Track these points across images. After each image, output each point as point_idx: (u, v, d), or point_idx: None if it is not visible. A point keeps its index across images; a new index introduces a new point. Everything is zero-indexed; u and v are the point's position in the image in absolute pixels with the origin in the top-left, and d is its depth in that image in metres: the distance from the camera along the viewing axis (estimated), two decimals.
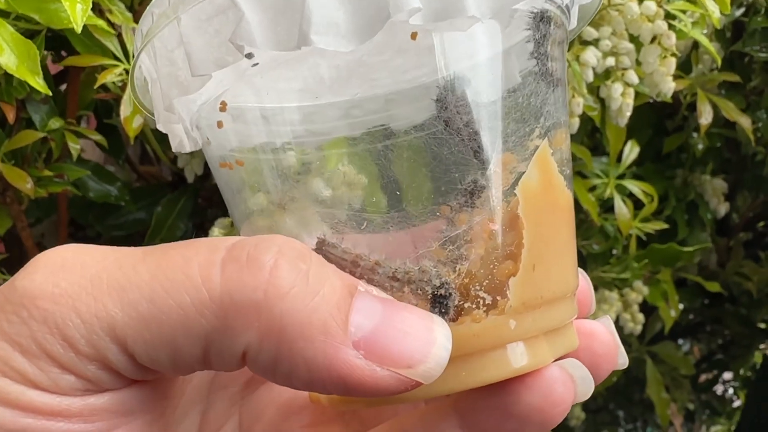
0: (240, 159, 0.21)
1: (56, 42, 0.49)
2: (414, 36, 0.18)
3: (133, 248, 0.18)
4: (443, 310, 0.19)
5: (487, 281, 0.19)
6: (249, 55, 0.18)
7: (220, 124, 0.21)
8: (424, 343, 0.18)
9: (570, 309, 0.21)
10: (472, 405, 0.20)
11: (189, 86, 0.19)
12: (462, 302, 0.19)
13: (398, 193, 0.20)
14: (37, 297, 0.17)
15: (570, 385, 0.20)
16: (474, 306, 0.19)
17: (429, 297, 0.19)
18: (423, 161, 0.20)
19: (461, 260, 0.19)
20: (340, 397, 0.21)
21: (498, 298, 0.19)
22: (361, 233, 0.20)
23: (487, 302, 0.19)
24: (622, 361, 0.22)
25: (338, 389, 0.17)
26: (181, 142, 0.22)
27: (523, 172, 0.20)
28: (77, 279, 0.17)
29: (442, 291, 0.19)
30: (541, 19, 0.20)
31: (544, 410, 0.19)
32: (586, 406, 0.92)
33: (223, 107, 0.20)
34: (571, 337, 0.21)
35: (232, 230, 0.50)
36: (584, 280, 0.23)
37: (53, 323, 0.17)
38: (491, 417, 0.20)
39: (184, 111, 0.21)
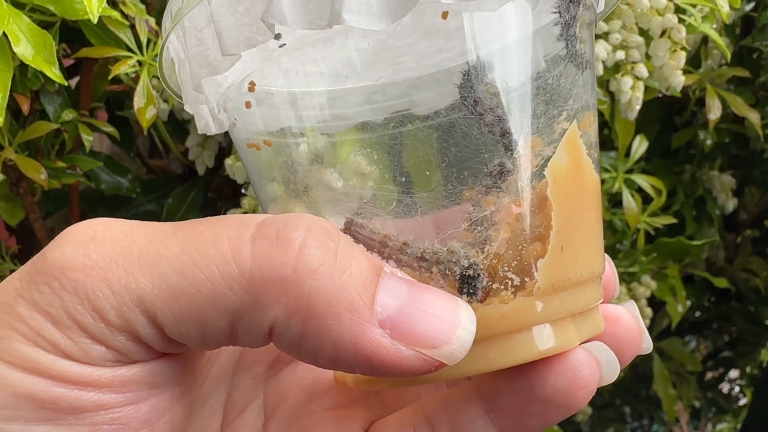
0: (268, 140, 0.21)
1: (69, 34, 0.49)
2: (445, 15, 0.18)
3: (162, 223, 0.19)
4: (471, 291, 0.19)
5: (515, 262, 0.19)
6: (277, 36, 0.18)
7: (248, 105, 0.21)
8: (448, 324, 0.18)
9: (597, 292, 0.21)
10: (496, 388, 0.21)
11: (218, 66, 0.20)
12: (490, 283, 0.19)
13: (425, 176, 0.20)
14: (68, 268, 0.17)
15: (595, 368, 0.20)
16: (502, 287, 0.19)
17: (457, 278, 0.19)
18: (449, 145, 0.20)
19: (489, 242, 0.19)
20: (365, 378, 0.21)
21: (526, 279, 0.19)
22: (389, 215, 0.20)
23: (515, 283, 0.19)
24: (647, 345, 0.22)
25: (363, 368, 0.18)
26: (207, 123, 0.22)
27: (551, 155, 0.20)
28: (108, 251, 0.18)
29: (470, 272, 0.19)
30: (571, 0, 0.20)
31: (569, 393, 0.19)
32: (592, 401, 0.92)
33: (252, 87, 0.20)
34: (597, 321, 0.21)
35: None
36: (609, 264, 0.23)
37: (84, 294, 0.17)
38: (516, 400, 0.20)
39: (211, 92, 0.21)
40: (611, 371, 0.20)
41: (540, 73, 0.20)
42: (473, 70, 0.19)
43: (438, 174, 0.20)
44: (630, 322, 0.22)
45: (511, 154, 0.19)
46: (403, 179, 0.20)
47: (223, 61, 0.19)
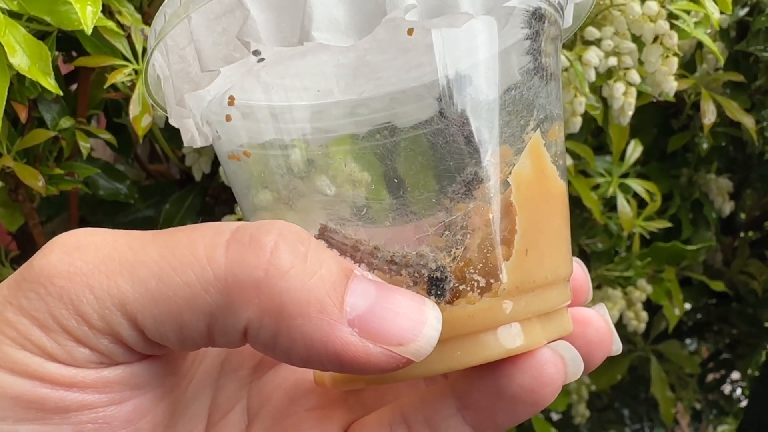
0: (248, 150, 0.22)
1: (67, 43, 0.50)
2: (410, 32, 0.19)
3: (142, 231, 0.19)
4: (439, 293, 0.19)
5: (481, 265, 0.20)
6: (256, 53, 0.19)
7: (228, 118, 0.22)
8: (415, 323, 0.18)
9: (563, 294, 0.22)
10: (468, 387, 0.21)
11: (199, 82, 0.20)
12: (457, 285, 0.20)
13: (400, 186, 0.21)
14: (53, 275, 0.18)
15: (560, 366, 0.20)
16: (469, 288, 0.20)
17: (426, 280, 0.19)
18: (424, 156, 0.20)
19: (457, 246, 0.20)
20: (341, 378, 0.22)
21: (492, 281, 0.20)
22: (363, 224, 0.21)
23: (481, 285, 0.20)
24: (616, 347, 0.23)
25: (334, 365, 0.18)
26: (193, 137, 0.23)
27: None
28: (91, 258, 0.18)
29: (438, 274, 0.19)
30: (535, 16, 0.21)
31: (534, 390, 0.20)
32: (591, 404, 0.92)
33: (231, 101, 0.21)
34: (564, 322, 0.22)
35: None
36: (580, 268, 0.24)
37: (68, 299, 0.18)
38: (485, 397, 0.21)
39: (194, 106, 0.22)
40: (576, 369, 0.21)
41: (511, 86, 0.21)
42: (446, 85, 0.20)
43: (414, 182, 0.20)
44: (600, 324, 0.23)
45: (482, 163, 0.20)
46: (382, 188, 0.21)
47: (204, 77, 0.20)
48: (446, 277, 0.19)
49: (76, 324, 0.18)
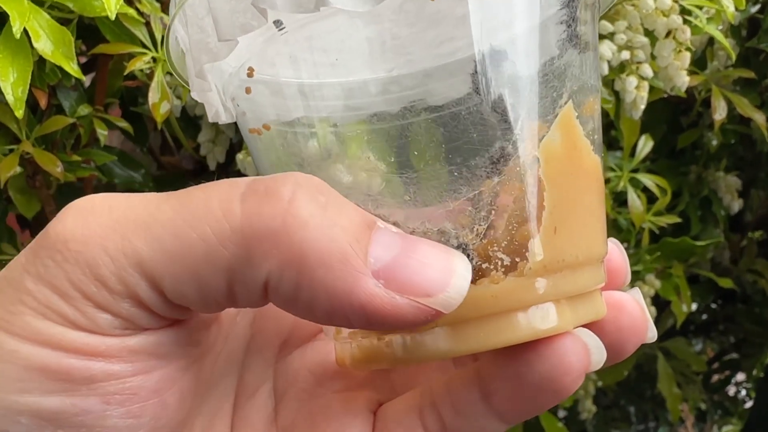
0: (267, 124, 0.21)
1: (84, 31, 0.50)
2: None
3: (157, 193, 0.19)
4: None
5: (506, 243, 0.19)
6: (278, 23, 0.18)
7: (248, 90, 0.21)
8: (443, 272, 0.18)
9: (596, 276, 0.21)
10: (492, 373, 0.20)
11: (218, 53, 0.20)
12: (480, 263, 0.19)
13: (423, 160, 0.20)
14: (68, 240, 0.18)
15: (582, 354, 0.19)
16: (492, 267, 0.19)
17: None
18: (451, 132, 0.20)
19: (481, 222, 0.19)
20: (362, 357, 0.21)
21: (517, 259, 0.19)
22: (384, 198, 0.20)
23: (505, 263, 0.19)
24: (651, 335, 0.22)
25: (359, 319, 0.18)
26: (218, 112, 0.22)
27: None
28: (105, 221, 0.18)
29: (460, 251, 0.19)
30: None
31: (556, 379, 0.19)
32: (597, 401, 0.92)
33: (251, 73, 0.20)
34: (597, 305, 0.21)
35: None
36: (617, 249, 0.23)
37: (85, 263, 0.18)
38: (508, 385, 0.20)
39: (216, 79, 0.21)
40: (599, 357, 0.20)
41: (549, 59, 0.20)
42: (481, 59, 0.19)
43: (442, 160, 0.20)
44: (634, 310, 0.21)
45: (511, 138, 0.19)
46: (405, 162, 0.20)
47: (222, 48, 0.19)
48: (468, 255, 0.19)
49: (95, 289, 0.18)
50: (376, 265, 0.17)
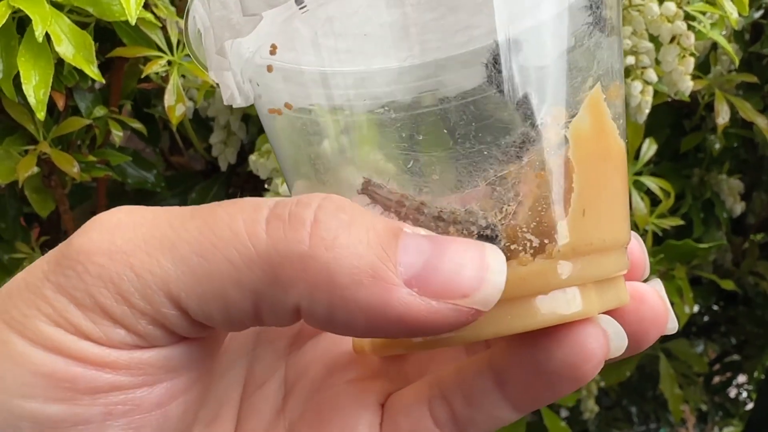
0: (289, 103, 0.21)
1: (99, 34, 0.51)
2: None
3: (181, 207, 0.19)
4: None
5: (534, 224, 0.19)
6: (298, 0, 0.18)
7: (269, 68, 0.20)
8: (476, 270, 0.17)
9: (621, 261, 0.21)
10: (506, 361, 0.20)
11: (241, 29, 0.19)
12: (508, 245, 0.19)
13: (450, 140, 0.19)
14: (93, 253, 0.18)
15: (603, 340, 0.19)
16: (521, 249, 0.19)
17: (474, 238, 0.18)
18: (474, 119, 0.19)
19: (509, 203, 0.19)
20: (381, 343, 0.21)
21: (546, 241, 0.19)
22: (410, 177, 0.20)
23: (534, 245, 0.18)
24: (672, 326, 0.22)
25: (399, 330, 0.17)
26: (233, 94, 0.22)
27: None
28: (131, 236, 0.18)
29: (488, 232, 0.18)
30: None
31: (576, 366, 0.19)
32: (599, 401, 0.93)
33: (273, 50, 0.20)
34: (620, 291, 0.21)
35: None
36: (636, 241, 0.23)
37: (108, 278, 0.18)
38: (523, 372, 0.20)
39: (235, 61, 0.21)
40: (619, 344, 0.20)
41: (571, 46, 0.19)
42: (502, 48, 0.18)
43: (472, 139, 0.19)
44: (655, 301, 0.21)
45: (538, 120, 0.19)
46: (437, 144, 0.20)
47: (246, 23, 0.19)
48: (496, 236, 0.18)
49: (115, 304, 0.18)
50: (407, 274, 0.17)
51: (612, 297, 0.20)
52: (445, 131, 0.19)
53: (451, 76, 0.20)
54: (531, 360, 0.20)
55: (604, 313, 0.20)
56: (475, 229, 0.18)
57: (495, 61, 0.19)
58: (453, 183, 0.19)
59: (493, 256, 0.18)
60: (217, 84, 0.23)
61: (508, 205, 0.19)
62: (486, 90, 0.19)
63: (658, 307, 0.21)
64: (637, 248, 0.23)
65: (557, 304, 0.19)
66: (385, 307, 0.17)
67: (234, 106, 0.23)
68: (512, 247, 0.19)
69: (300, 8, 0.19)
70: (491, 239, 0.18)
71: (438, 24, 0.20)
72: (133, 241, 0.18)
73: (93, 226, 0.18)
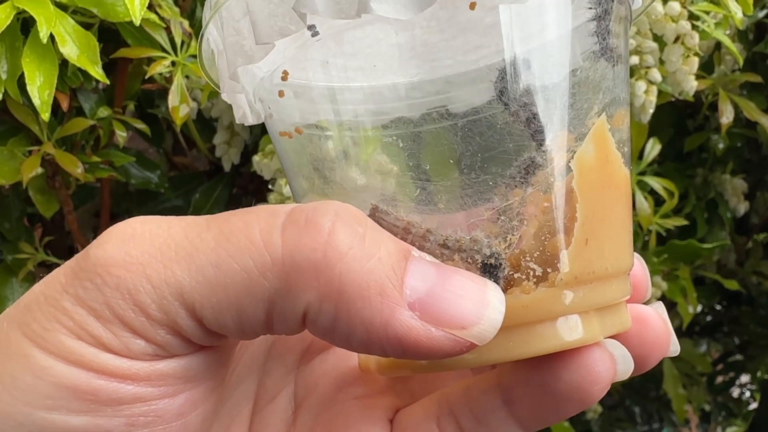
0: (299, 127, 0.21)
1: (103, 35, 0.51)
2: (472, 6, 0.18)
3: (196, 217, 0.19)
4: (493, 280, 0.19)
5: (538, 253, 0.19)
6: (311, 27, 0.19)
7: (281, 94, 0.21)
8: (477, 305, 0.18)
9: (623, 288, 0.21)
10: (514, 380, 0.21)
11: (253, 55, 0.20)
12: (512, 273, 0.19)
13: (455, 169, 0.20)
14: (110, 265, 0.18)
15: (610, 363, 0.20)
16: (524, 277, 0.19)
17: (479, 266, 0.19)
18: (481, 140, 0.20)
19: (512, 232, 0.19)
20: (387, 363, 0.21)
21: (548, 270, 0.19)
22: (416, 205, 0.20)
23: (537, 274, 0.19)
24: (674, 348, 0.22)
25: (395, 350, 0.18)
26: (245, 113, 0.22)
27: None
28: (147, 247, 0.18)
29: (492, 260, 0.19)
30: None
31: (582, 388, 0.19)
32: (602, 401, 0.93)
33: (285, 76, 0.20)
34: (623, 317, 0.21)
35: None
36: (640, 264, 0.23)
37: (125, 289, 0.18)
38: (531, 392, 0.20)
39: (247, 82, 0.21)
40: (626, 368, 0.20)
41: (576, 69, 0.20)
42: (509, 67, 0.19)
43: (468, 167, 0.20)
44: (657, 324, 0.22)
45: (543, 148, 0.19)
46: (435, 170, 0.20)
47: (258, 50, 0.19)
48: (500, 264, 0.19)
49: (133, 314, 0.18)
50: (412, 297, 0.18)
51: (614, 323, 0.20)
52: (451, 161, 0.20)
53: (459, 92, 0.21)
54: (539, 381, 0.20)
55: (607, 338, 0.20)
56: (479, 258, 0.19)
57: (503, 79, 0.19)
58: (458, 210, 0.20)
59: (493, 294, 0.18)
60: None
61: (512, 234, 0.19)
62: (494, 107, 0.19)
63: (660, 330, 0.22)
64: (640, 270, 0.23)
65: (559, 332, 0.19)
66: (386, 326, 0.17)
67: (245, 124, 0.23)
68: (515, 275, 0.19)
69: (313, 36, 0.20)
70: (495, 268, 0.19)
71: (447, 44, 0.21)
72: (148, 252, 0.18)
73: (109, 237, 0.19)
